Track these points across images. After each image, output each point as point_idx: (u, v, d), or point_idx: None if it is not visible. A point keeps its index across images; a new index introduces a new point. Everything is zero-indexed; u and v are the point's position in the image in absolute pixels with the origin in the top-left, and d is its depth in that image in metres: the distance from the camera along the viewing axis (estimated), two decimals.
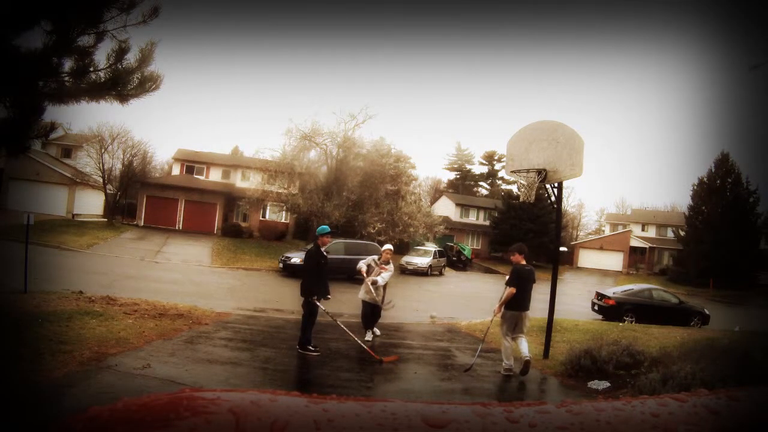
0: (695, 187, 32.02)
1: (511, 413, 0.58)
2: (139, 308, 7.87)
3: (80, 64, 5.17)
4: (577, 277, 31.37)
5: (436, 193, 46.13)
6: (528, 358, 6.07)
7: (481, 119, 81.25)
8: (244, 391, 0.56)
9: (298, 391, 0.62)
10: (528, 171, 7.53)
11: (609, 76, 74.91)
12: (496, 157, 49.11)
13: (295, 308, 8.73)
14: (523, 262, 6.33)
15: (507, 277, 6.51)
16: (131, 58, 5.38)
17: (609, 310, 13.65)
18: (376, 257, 7.91)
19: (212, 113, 75.20)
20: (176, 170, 32.55)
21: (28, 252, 8.72)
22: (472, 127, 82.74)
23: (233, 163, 32.88)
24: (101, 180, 27.03)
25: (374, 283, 7.43)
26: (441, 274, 24.34)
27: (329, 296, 6.96)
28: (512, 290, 6.11)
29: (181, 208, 28.52)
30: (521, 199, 8.56)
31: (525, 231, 30.12)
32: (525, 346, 6.14)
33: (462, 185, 49.90)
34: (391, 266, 7.68)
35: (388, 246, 7.99)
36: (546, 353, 7.14)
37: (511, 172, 7.89)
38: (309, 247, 7.21)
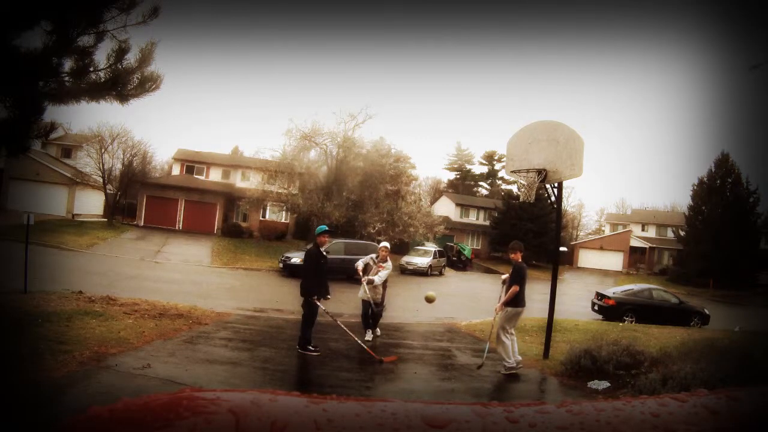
0: (695, 187, 32.01)
1: (511, 413, 0.58)
2: (139, 308, 7.87)
3: (80, 64, 5.17)
4: (577, 277, 31.33)
5: (436, 193, 46.06)
6: (519, 359, 6.39)
7: (481, 119, 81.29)
8: (244, 391, 0.56)
9: (298, 391, 0.62)
10: (528, 171, 7.53)
11: (609, 77, 74.91)
12: (496, 157, 49.07)
13: (295, 308, 8.73)
14: (520, 260, 6.44)
15: (506, 276, 6.60)
16: (131, 58, 5.39)
17: (609, 310, 13.64)
18: (373, 256, 7.88)
19: (212, 113, 75.28)
20: (176, 170, 32.56)
21: (28, 252, 8.72)
22: (472, 127, 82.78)
23: (233, 163, 32.88)
24: (101, 180, 27.01)
25: (370, 282, 7.43)
26: (441, 274, 24.31)
27: (329, 296, 6.95)
28: (516, 287, 6.22)
29: (181, 208, 28.51)
30: (521, 199, 8.55)
31: (525, 231, 30.07)
32: (516, 345, 6.44)
33: (462, 185, 49.86)
34: (389, 264, 7.66)
35: (385, 244, 7.98)
36: (546, 353, 7.14)
37: (511, 172, 7.88)
38: (309, 247, 7.21)
